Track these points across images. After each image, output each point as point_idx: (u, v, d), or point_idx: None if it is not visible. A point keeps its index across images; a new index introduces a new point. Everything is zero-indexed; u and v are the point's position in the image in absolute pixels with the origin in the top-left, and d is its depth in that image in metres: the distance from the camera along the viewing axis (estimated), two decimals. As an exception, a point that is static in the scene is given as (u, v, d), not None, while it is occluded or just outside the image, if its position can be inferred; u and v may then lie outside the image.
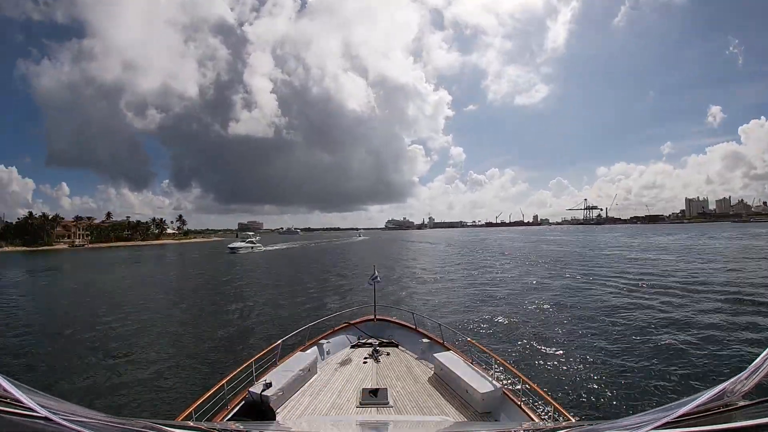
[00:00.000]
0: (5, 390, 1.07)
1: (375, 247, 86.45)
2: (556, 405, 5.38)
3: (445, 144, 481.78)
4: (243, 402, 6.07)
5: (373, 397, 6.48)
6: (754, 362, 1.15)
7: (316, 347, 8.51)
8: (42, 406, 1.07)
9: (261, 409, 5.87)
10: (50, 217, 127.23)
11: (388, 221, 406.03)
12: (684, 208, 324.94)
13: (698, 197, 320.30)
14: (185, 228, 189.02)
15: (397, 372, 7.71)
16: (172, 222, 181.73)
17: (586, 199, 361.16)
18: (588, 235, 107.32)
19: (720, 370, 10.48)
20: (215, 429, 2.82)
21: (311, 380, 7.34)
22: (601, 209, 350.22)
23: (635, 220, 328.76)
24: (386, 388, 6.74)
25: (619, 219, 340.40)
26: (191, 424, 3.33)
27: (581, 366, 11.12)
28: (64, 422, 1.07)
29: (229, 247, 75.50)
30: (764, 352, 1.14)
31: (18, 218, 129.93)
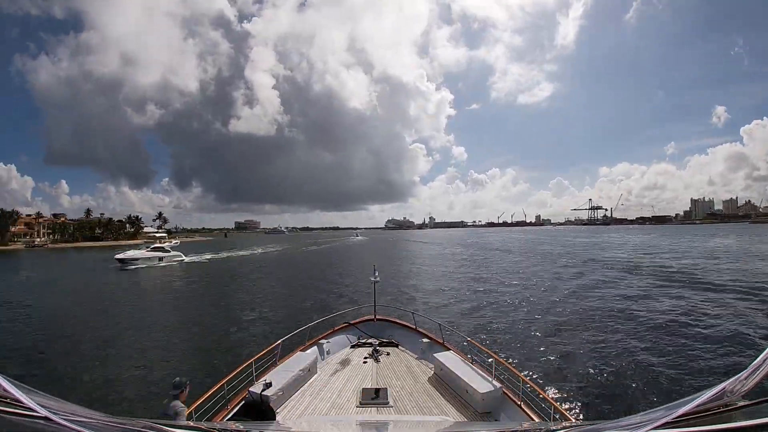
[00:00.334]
0: (5, 390, 1.07)
1: (374, 249, 77.76)
2: (556, 405, 5.38)
3: (447, 143, 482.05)
4: (243, 402, 6.07)
5: (373, 396, 6.48)
6: (754, 362, 1.15)
7: (316, 347, 8.51)
8: (42, 406, 1.07)
9: (261, 409, 5.87)
10: (7, 212, 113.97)
11: (388, 221, 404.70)
12: (686, 209, 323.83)
13: (704, 198, 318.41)
14: (166, 227, 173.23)
15: (397, 372, 7.71)
16: (154, 220, 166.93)
17: (590, 200, 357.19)
18: (618, 237, 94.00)
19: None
20: (215, 429, 2.82)
21: (311, 380, 7.34)
22: (606, 209, 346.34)
23: (641, 220, 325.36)
24: (386, 388, 6.74)
25: (625, 219, 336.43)
26: (191, 424, 3.33)
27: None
28: (64, 422, 1.07)
29: (116, 258, 48.19)
30: (764, 352, 1.14)
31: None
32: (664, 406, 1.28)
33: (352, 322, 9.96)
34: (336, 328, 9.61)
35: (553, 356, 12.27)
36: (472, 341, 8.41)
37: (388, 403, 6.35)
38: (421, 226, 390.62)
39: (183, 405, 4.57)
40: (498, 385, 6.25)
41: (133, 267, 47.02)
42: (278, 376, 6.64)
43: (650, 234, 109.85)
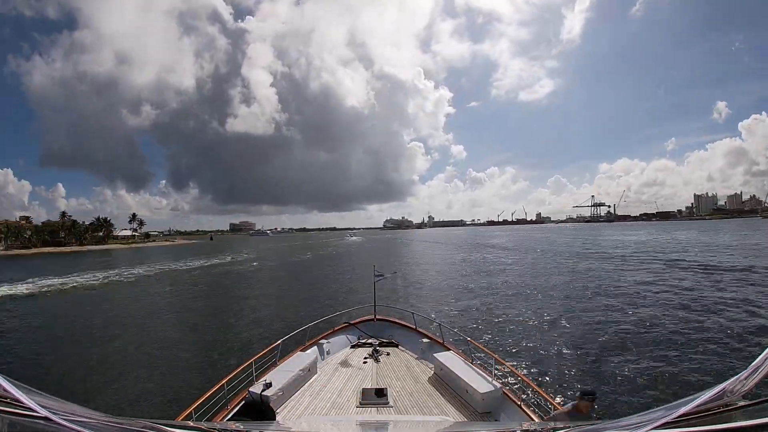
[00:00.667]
0: (5, 390, 1.07)
1: (369, 252, 69.30)
2: (556, 405, 5.38)
3: (446, 142, 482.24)
4: (243, 402, 6.07)
5: (373, 396, 6.48)
6: (754, 362, 1.15)
7: (316, 347, 8.51)
8: (42, 406, 1.07)
9: (261, 409, 5.87)
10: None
11: (387, 220, 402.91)
12: (686, 204, 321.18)
13: (707, 193, 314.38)
14: (143, 229, 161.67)
15: (397, 372, 7.71)
16: (129, 222, 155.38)
17: (593, 196, 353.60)
18: (646, 234, 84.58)
19: None
20: (215, 429, 2.82)
21: (311, 380, 7.34)
22: (609, 206, 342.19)
23: (645, 217, 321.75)
24: (386, 388, 6.74)
25: (629, 216, 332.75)
26: (191, 423, 3.33)
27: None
28: (64, 422, 1.07)
29: None
30: (764, 352, 1.14)
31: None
32: (664, 406, 1.28)
33: (352, 322, 9.96)
34: (336, 328, 9.61)
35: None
36: (472, 341, 8.41)
37: (388, 403, 6.35)
38: (420, 226, 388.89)
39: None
40: (498, 385, 6.25)
41: None
42: (278, 376, 6.64)
43: (675, 231, 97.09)
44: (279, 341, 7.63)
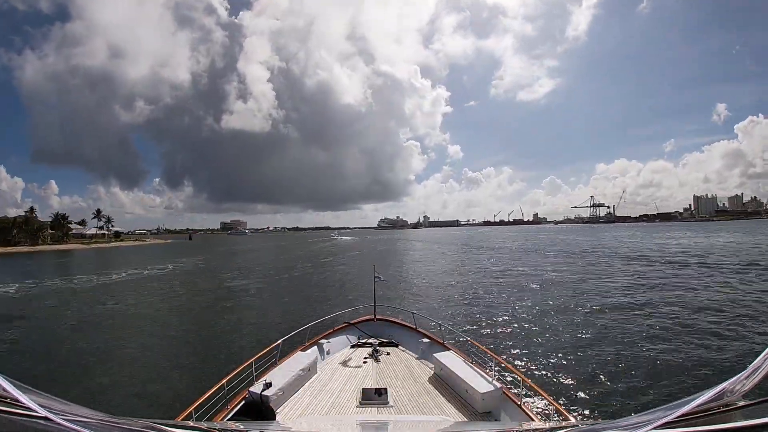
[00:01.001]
0: (5, 390, 1.07)
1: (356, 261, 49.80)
2: (556, 405, 5.38)
3: (443, 142, 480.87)
4: (243, 402, 6.07)
5: (374, 396, 6.48)
6: (754, 362, 1.15)
7: (316, 347, 8.51)
8: (42, 406, 1.07)
9: (261, 409, 5.86)
10: None
11: (381, 220, 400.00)
12: (683, 206, 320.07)
13: (706, 194, 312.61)
14: (112, 227, 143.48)
15: (397, 372, 7.71)
16: (95, 218, 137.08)
17: (592, 197, 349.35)
18: (678, 237, 74.79)
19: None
20: (215, 429, 2.82)
21: (311, 380, 7.34)
22: (608, 207, 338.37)
23: (645, 218, 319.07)
24: (386, 388, 6.74)
25: (629, 217, 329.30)
26: (191, 423, 3.33)
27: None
28: (64, 422, 1.07)
29: None
30: (764, 352, 1.14)
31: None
32: (664, 406, 1.28)
33: (352, 322, 9.96)
34: (336, 328, 9.61)
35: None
36: (472, 341, 8.41)
37: (388, 403, 6.35)
38: (416, 226, 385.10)
39: None
40: (498, 385, 6.24)
41: None
42: (278, 376, 6.64)
43: (703, 233, 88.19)
44: (279, 341, 7.63)
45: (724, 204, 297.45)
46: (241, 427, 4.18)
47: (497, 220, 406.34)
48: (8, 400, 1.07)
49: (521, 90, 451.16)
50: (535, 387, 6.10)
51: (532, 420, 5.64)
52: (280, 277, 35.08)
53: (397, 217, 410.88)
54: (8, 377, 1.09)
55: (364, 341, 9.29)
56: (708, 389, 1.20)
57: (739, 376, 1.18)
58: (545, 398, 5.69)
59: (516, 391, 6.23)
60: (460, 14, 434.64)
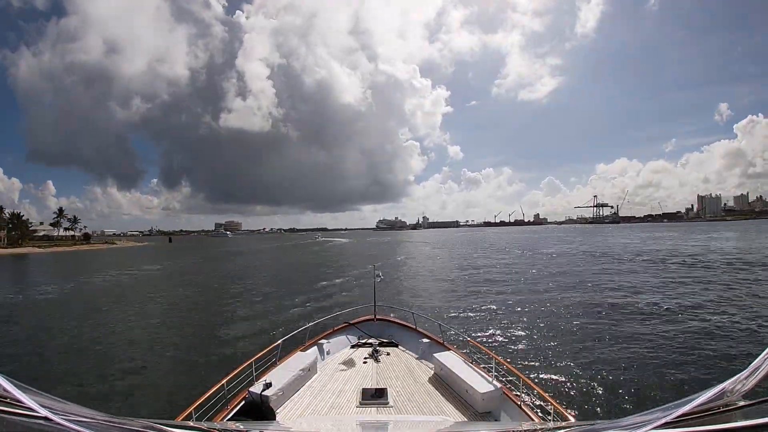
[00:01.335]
0: (5, 390, 1.07)
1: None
2: (556, 405, 5.38)
3: (443, 142, 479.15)
4: (243, 402, 6.07)
5: (374, 397, 6.48)
6: (754, 362, 1.15)
7: (316, 347, 8.51)
8: (42, 406, 1.07)
9: (261, 409, 5.87)
10: None
11: (380, 221, 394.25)
12: (680, 206, 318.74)
13: (711, 194, 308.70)
14: (84, 228, 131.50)
15: (397, 372, 7.71)
16: (58, 218, 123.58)
17: (595, 197, 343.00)
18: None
19: None
20: (215, 429, 2.82)
21: (311, 380, 7.34)
22: (612, 207, 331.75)
23: (650, 218, 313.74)
24: (386, 388, 6.74)
25: (633, 217, 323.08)
26: (191, 423, 3.33)
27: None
28: (64, 422, 1.07)
29: None
30: (764, 352, 1.14)
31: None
32: (664, 406, 1.28)
33: (352, 322, 9.96)
34: (336, 328, 9.61)
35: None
36: (472, 341, 8.41)
37: (388, 403, 6.35)
38: (416, 227, 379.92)
39: None
40: (498, 385, 6.25)
41: None
42: (278, 376, 6.64)
43: (750, 234, 78.09)
44: (279, 341, 7.63)
45: (726, 204, 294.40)
46: (241, 427, 4.18)
47: (498, 221, 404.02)
48: (8, 400, 1.07)
49: (523, 89, 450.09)
50: (535, 387, 6.09)
51: (532, 420, 5.63)
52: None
53: (396, 218, 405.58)
54: (8, 377, 1.09)
55: (364, 341, 9.29)
56: (708, 389, 1.20)
57: (739, 376, 1.18)
58: (545, 398, 5.69)
59: (516, 391, 6.23)
60: (468, 9, 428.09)
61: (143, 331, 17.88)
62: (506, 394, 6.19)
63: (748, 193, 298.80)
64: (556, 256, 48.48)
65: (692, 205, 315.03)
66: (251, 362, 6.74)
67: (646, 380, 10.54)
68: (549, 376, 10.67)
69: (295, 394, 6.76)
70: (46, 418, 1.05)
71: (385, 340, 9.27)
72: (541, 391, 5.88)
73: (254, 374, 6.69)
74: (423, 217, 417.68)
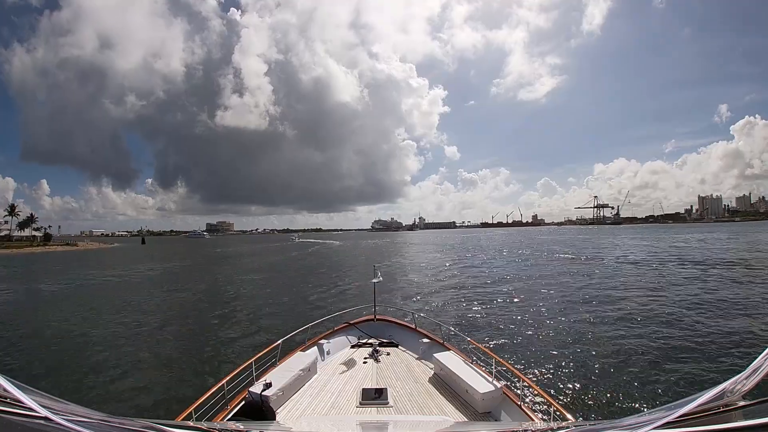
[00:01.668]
0: (5, 390, 1.07)
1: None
2: (556, 405, 5.38)
3: (440, 143, 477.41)
4: (243, 402, 6.07)
5: (374, 396, 6.48)
6: (754, 362, 1.15)
7: (316, 347, 8.51)
8: (42, 406, 1.07)
9: (261, 409, 5.86)
10: None
11: (375, 222, 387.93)
12: (678, 207, 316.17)
13: (711, 195, 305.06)
14: (40, 228, 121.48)
15: (397, 372, 7.71)
16: (9, 215, 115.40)
17: (596, 197, 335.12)
18: None
19: None
20: (215, 429, 2.82)
21: (311, 380, 7.34)
22: (612, 207, 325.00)
23: (652, 219, 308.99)
24: (386, 388, 6.74)
25: (636, 218, 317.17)
26: (191, 424, 3.33)
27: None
28: (64, 422, 1.07)
29: None
30: (764, 352, 1.14)
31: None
32: (664, 406, 1.28)
33: (352, 322, 9.96)
34: (336, 328, 9.61)
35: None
36: (473, 341, 8.41)
37: (388, 403, 6.35)
38: (412, 227, 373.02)
39: None
40: (498, 385, 6.25)
41: None
42: (278, 376, 6.64)
43: None
44: (279, 341, 7.63)
45: (728, 205, 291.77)
46: (241, 427, 4.18)
47: (495, 221, 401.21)
48: (8, 400, 1.07)
49: (522, 89, 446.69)
50: (535, 387, 6.09)
51: (532, 420, 5.64)
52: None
53: (392, 218, 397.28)
54: (8, 377, 1.10)
55: (364, 341, 9.29)
56: (708, 389, 1.20)
57: (739, 376, 1.18)
58: (545, 398, 5.69)
59: (516, 391, 6.23)
60: (473, 4, 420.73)
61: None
62: (506, 394, 6.19)
63: (750, 194, 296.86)
64: (650, 267, 34.24)
65: (691, 206, 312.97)
66: (251, 362, 6.74)
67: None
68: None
69: (295, 394, 6.76)
70: (46, 418, 1.06)
71: (385, 340, 9.27)
72: (541, 391, 5.88)
73: (254, 374, 6.69)
74: (419, 218, 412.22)
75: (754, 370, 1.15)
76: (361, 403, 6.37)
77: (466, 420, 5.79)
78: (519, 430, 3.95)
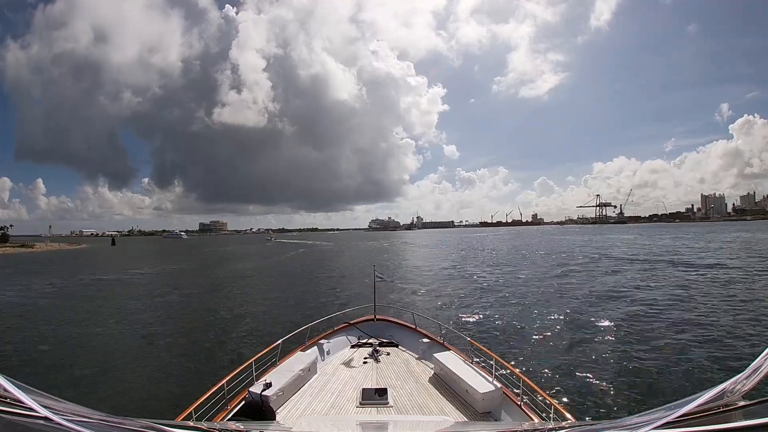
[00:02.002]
0: (5, 390, 1.07)
1: None
2: (556, 405, 5.38)
3: (439, 141, 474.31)
4: (243, 402, 6.07)
5: (374, 396, 6.48)
6: (754, 362, 1.15)
7: (316, 347, 8.51)
8: (42, 406, 1.07)
9: (261, 409, 5.86)
10: None
11: (372, 221, 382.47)
12: (677, 206, 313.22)
13: (714, 193, 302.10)
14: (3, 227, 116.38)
15: (397, 372, 7.71)
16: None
17: (598, 195, 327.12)
18: None
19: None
20: (215, 429, 2.83)
21: (311, 380, 7.34)
22: (615, 206, 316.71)
23: (655, 218, 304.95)
24: (386, 388, 6.74)
25: (640, 217, 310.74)
26: (191, 424, 3.33)
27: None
28: (64, 422, 1.08)
29: None
30: (764, 352, 1.14)
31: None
32: (664, 406, 1.28)
33: (352, 322, 9.96)
34: (336, 328, 9.61)
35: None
36: (473, 341, 8.41)
37: (388, 403, 6.35)
38: (410, 227, 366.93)
39: None
40: (498, 385, 6.25)
41: None
42: (278, 376, 6.64)
43: None
44: (279, 341, 7.63)
45: (735, 203, 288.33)
46: (241, 427, 4.18)
47: (494, 221, 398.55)
48: (8, 400, 1.07)
49: (524, 86, 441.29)
50: (535, 387, 6.09)
51: (532, 420, 5.63)
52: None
53: (389, 218, 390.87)
54: (8, 377, 1.10)
55: (364, 341, 9.29)
56: (708, 389, 1.20)
57: (739, 376, 1.19)
58: (545, 398, 5.69)
59: (516, 391, 6.23)
60: None
61: None
62: (506, 394, 6.19)
63: (754, 193, 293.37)
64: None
65: (692, 205, 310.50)
66: (251, 362, 6.74)
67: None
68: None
69: (295, 394, 6.75)
70: (46, 418, 1.06)
71: (385, 340, 9.27)
72: (541, 391, 5.88)
73: (254, 374, 6.69)
74: (417, 218, 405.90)
75: (754, 370, 1.15)
76: (361, 403, 6.37)
77: (466, 420, 5.79)
78: (519, 430, 3.95)
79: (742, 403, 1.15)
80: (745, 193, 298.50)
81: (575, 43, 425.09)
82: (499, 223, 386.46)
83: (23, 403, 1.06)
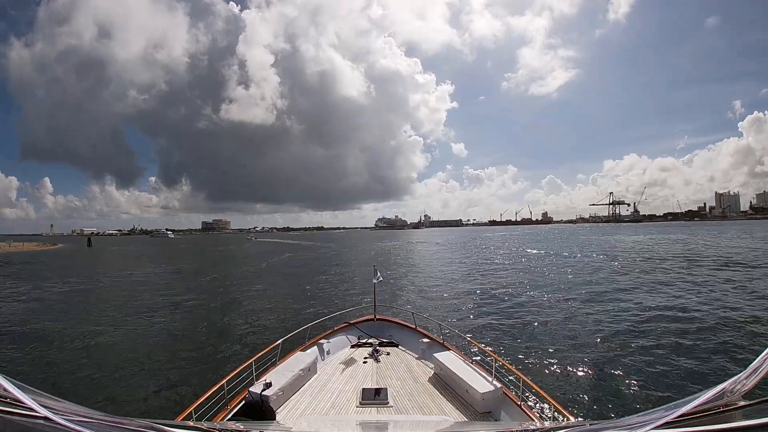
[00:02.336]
0: (5, 390, 1.07)
1: None
2: (556, 405, 5.38)
3: (447, 140, 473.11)
4: (243, 402, 6.07)
5: (373, 396, 6.48)
6: (754, 362, 1.15)
7: (316, 347, 8.51)
8: (42, 406, 1.07)
9: (261, 409, 5.87)
10: None
11: (379, 219, 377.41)
12: (685, 205, 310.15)
13: (729, 191, 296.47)
14: None
15: (397, 372, 7.71)
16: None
17: (611, 194, 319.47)
18: None
19: None
20: (215, 429, 2.82)
21: (311, 380, 7.34)
22: (629, 204, 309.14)
23: (670, 216, 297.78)
24: (386, 388, 6.74)
25: (655, 216, 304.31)
26: (191, 424, 3.33)
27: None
28: (64, 422, 1.08)
29: None
30: (764, 352, 1.14)
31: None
32: (664, 406, 1.28)
33: (352, 321, 9.96)
34: (336, 328, 9.61)
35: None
36: (472, 341, 8.41)
37: (388, 403, 6.35)
38: (417, 225, 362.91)
39: None
40: (498, 385, 6.25)
41: None
42: (278, 376, 6.64)
43: None
44: (279, 341, 7.63)
45: (752, 202, 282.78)
46: (241, 427, 4.18)
47: (504, 219, 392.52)
48: (8, 400, 1.07)
49: (533, 83, 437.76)
50: (535, 387, 6.09)
51: (532, 420, 5.64)
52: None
53: (396, 216, 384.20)
54: (8, 377, 1.10)
55: (364, 341, 9.30)
56: (708, 389, 1.20)
57: (739, 376, 1.18)
58: (545, 398, 5.69)
59: (516, 391, 6.23)
60: None
61: None
62: (506, 394, 6.19)
63: (766, 192, 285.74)
64: None
65: (705, 204, 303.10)
66: (251, 362, 6.74)
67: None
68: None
69: (295, 394, 6.76)
70: (46, 418, 1.06)
71: (385, 340, 9.27)
72: (541, 391, 5.88)
73: (254, 374, 6.69)
74: (425, 216, 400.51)
75: (754, 370, 1.15)
76: (361, 403, 6.37)
77: (466, 420, 5.79)
78: (519, 430, 3.94)
79: (742, 403, 1.15)
80: (761, 192, 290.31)
81: (591, 37, 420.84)
82: (508, 222, 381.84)
83: (23, 403, 1.06)
